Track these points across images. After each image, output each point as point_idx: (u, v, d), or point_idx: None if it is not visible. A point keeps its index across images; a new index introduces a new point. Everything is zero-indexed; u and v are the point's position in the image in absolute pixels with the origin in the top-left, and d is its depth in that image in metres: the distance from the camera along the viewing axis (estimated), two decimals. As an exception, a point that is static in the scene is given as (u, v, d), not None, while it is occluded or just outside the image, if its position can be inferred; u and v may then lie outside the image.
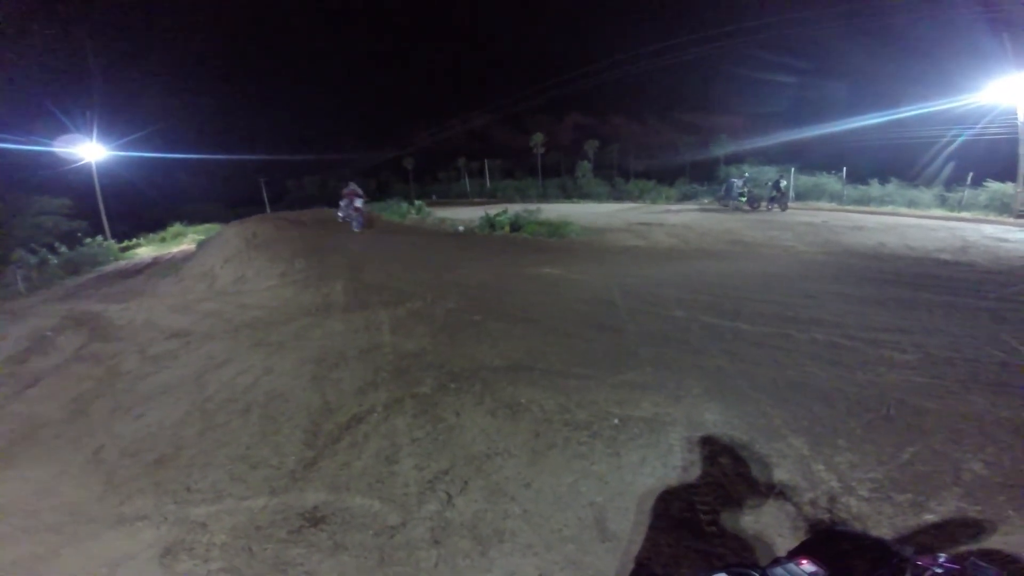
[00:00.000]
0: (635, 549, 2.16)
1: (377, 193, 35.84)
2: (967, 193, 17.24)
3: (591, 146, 33.75)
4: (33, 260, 13.35)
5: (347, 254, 9.97)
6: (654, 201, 23.75)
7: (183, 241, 20.22)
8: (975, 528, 2.23)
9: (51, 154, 19.07)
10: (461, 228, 13.76)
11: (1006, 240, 10.17)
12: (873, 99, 22.63)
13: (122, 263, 16.31)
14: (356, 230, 13.51)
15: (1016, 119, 17.28)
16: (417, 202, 19.38)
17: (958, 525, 2.24)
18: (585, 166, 31.49)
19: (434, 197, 31.49)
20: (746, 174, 19.67)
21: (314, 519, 2.53)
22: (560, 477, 2.69)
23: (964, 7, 19.01)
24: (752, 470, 2.63)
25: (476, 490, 2.61)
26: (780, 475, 2.58)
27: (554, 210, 17.16)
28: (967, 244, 9.67)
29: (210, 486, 3.00)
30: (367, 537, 2.36)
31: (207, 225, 23.50)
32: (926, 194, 18.34)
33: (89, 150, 20.48)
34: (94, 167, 20.55)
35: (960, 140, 19.44)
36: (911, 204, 18.06)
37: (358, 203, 14.29)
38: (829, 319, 5.09)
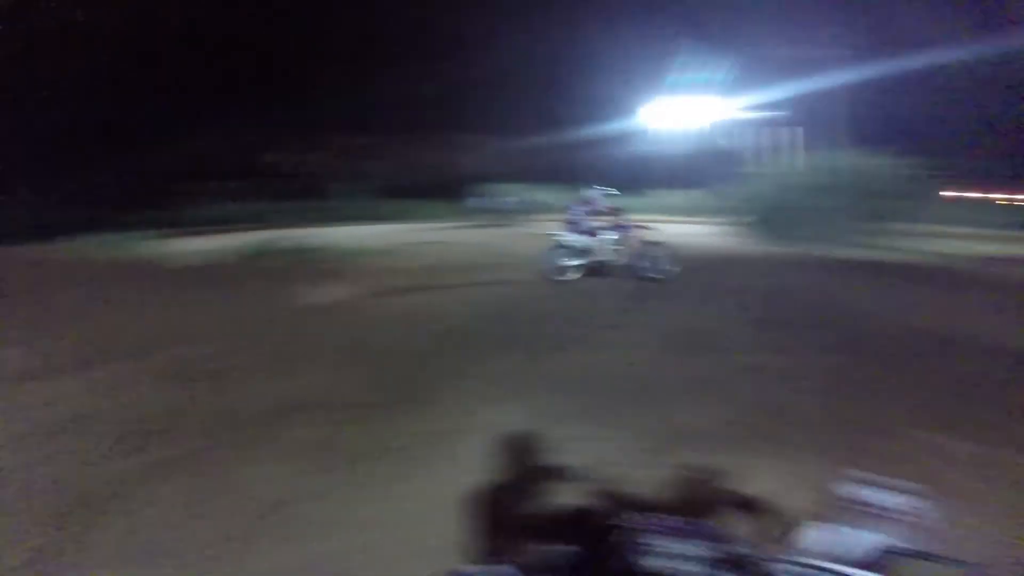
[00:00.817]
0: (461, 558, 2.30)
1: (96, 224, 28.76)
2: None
3: (363, 166, 33.46)
4: None
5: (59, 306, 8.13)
6: (424, 221, 25.01)
7: None
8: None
9: None
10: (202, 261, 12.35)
11: None
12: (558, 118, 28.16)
13: None
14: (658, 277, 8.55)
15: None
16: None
17: None
18: (354, 186, 31.18)
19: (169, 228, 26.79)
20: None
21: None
22: (370, 511, 2.84)
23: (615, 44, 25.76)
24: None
25: (276, 541, 2.82)
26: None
27: (320, 234, 16.61)
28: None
29: None
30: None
31: None
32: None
33: None
34: None
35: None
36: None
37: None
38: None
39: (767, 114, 24.91)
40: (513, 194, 23.07)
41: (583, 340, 5.90)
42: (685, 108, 25.85)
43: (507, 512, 2.65)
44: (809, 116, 22.90)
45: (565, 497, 2.72)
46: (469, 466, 3.06)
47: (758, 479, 2.89)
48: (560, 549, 0.99)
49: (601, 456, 3.23)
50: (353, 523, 2.74)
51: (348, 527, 2.70)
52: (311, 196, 31.78)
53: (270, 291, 8.88)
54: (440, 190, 29.86)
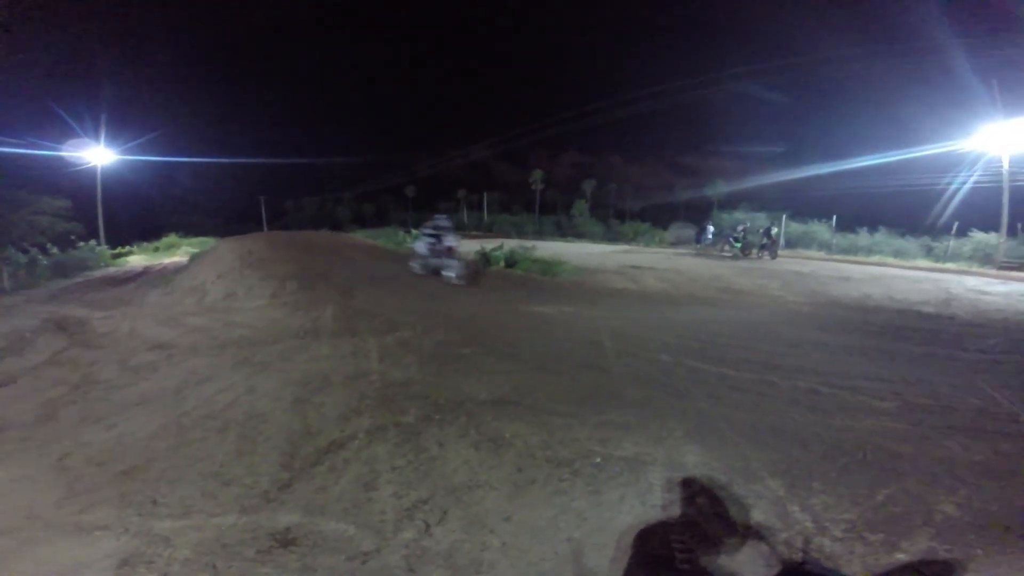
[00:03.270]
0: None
1: (375, 219, 36.19)
2: (952, 243, 17.64)
3: (588, 185, 34.57)
4: (23, 259, 13.20)
5: (340, 280, 10.01)
6: (647, 244, 24.15)
7: (176, 253, 20.16)
8: (945, 567, 2.28)
9: (59, 157, 19.22)
10: (455, 260, 13.88)
11: (987, 293, 10.45)
12: (866, 144, 23.49)
13: (112, 270, 16.18)
14: (455, 282, 10.40)
15: (1001, 168, 17.85)
16: (414, 231, 19.58)
17: (928, 564, 2.29)
18: (581, 205, 32.14)
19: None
20: (746, 223, 20.08)
21: (285, 540, 2.48)
22: (540, 512, 2.67)
23: (957, 54, 20.00)
24: (729, 510, 2.65)
25: (455, 520, 2.58)
26: (756, 516, 2.60)
27: (549, 248, 17.40)
28: (950, 296, 9.90)
29: (178, 501, 2.93)
30: (339, 561, 2.31)
31: (202, 238, 23.50)
32: (912, 244, 18.76)
33: (95, 154, 20.63)
34: (98, 171, 20.66)
35: (949, 188, 20.02)
36: (898, 254, 18.44)
37: (451, 241, 11.22)
38: (811, 367, 5.17)
39: None
40: (752, 224, 20.45)
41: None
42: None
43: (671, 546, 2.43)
44: None
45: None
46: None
47: None
48: None
49: None
50: (516, 520, 2.66)
51: (511, 522, 2.65)
52: (542, 210, 34.27)
53: (503, 294, 9.39)
54: (667, 214, 28.68)
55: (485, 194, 37.03)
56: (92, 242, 17.47)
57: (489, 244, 15.33)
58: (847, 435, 3.57)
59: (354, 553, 2.35)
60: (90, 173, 20.51)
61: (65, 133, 19.97)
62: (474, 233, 29.74)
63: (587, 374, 4.92)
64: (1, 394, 5.21)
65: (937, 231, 18.76)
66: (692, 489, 2.85)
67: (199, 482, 3.12)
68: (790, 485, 2.90)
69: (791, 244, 21.03)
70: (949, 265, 16.26)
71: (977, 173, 18.67)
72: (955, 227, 17.61)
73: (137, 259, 19.04)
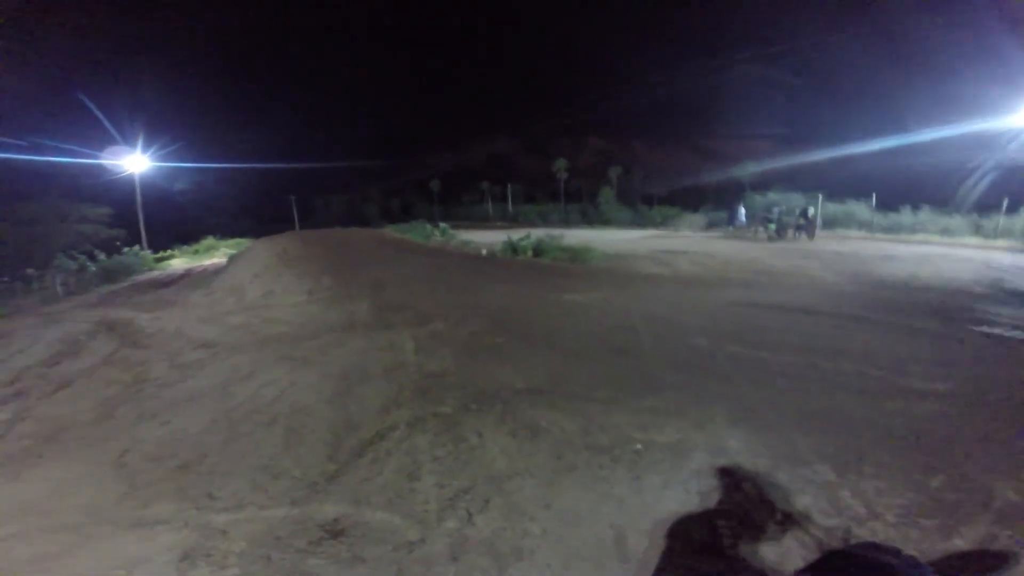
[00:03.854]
0: (653, 570, 2.14)
1: (402, 214, 36.60)
2: (1002, 221, 16.71)
3: (614, 171, 33.98)
4: (72, 266, 13.91)
5: (372, 274, 10.16)
6: (677, 228, 23.66)
7: (215, 254, 20.86)
8: (1005, 555, 2.19)
9: (99, 164, 20.10)
10: (484, 251, 13.92)
11: None
12: (902, 121, 22.35)
13: (156, 273, 16.88)
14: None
15: None
16: (442, 224, 19.71)
17: (988, 551, 2.21)
18: (608, 192, 31.62)
19: (454, 221, 32.05)
20: (781, 205, 19.40)
21: (334, 531, 2.55)
22: (580, 499, 2.67)
23: (995, 25, 18.77)
24: (775, 496, 2.60)
25: (496, 509, 2.61)
26: (804, 501, 2.55)
27: (576, 236, 17.25)
28: (1003, 275, 9.46)
29: (232, 494, 3.05)
30: (386, 551, 2.36)
31: (238, 239, 24.23)
32: (960, 222, 17.81)
33: (133, 161, 21.47)
34: (136, 179, 21.51)
35: (992, 165, 18.90)
36: (944, 232, 17.51)
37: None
38: (857, 350, 5.02)
39: None
40: (788, 205, 19.76)
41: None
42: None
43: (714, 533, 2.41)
44: None
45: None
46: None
47: None
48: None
49: None
50: (557, 507, 2.68)
51: (551, 510, 2.66)
52: (568, 199, 33.95)
53: (533, 283, 9.40)
54: (696, 197, 27.98)
55: (509, 185, 36.86)
56: (136, 247, 18.25)
57: (516, 234, 15.30)
58: (898, 419, 3.45)
59: (400, 543, 2.40)
60: (126, 180, 21.38)
61: (104, 141, 20.88)
62: (499, 224, 29.73)
63: (623, 360, 4.88)
64: (60, 395, 5.52)
65: (986, 208, 17.72)
66: (736, 475, 2.80)
67: (250, 475, 3.24)
68: (840, 470, 2.81)
69: (829, 225, 20.21)
70: (1000, 242, 15.40)
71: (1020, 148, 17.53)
72: (1005, 203, 16.60)
73: (179, 262, 19.80)
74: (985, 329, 5.81)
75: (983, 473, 2.76)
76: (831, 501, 2.54)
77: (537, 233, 15.70)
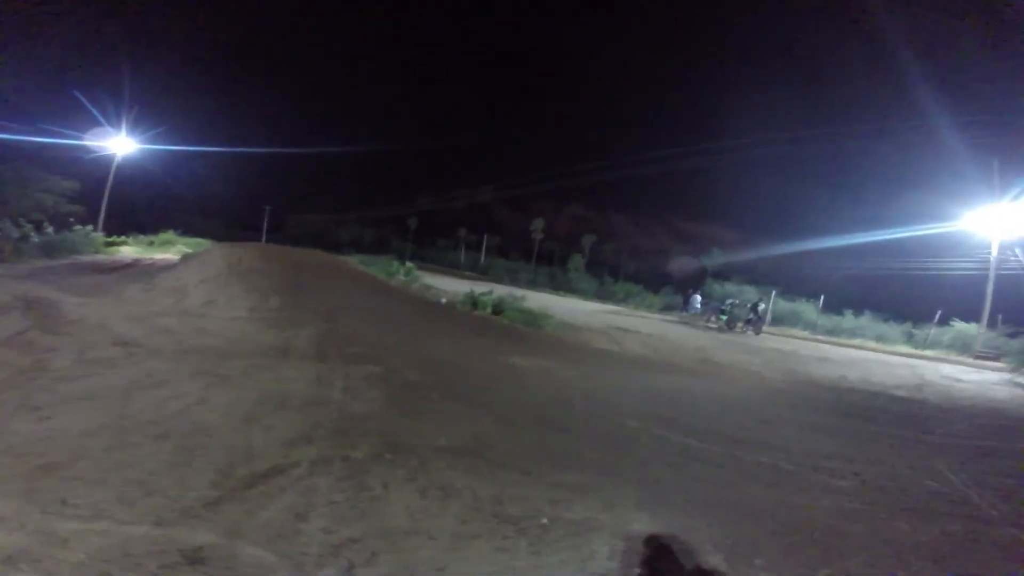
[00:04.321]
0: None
1: (375, 245, 36.40)
2: (933, 331, 17.92)
3: (587, 240, 35.13)
4: (15, 234, 13.09)
5: (323, 303, 9.93)
6: (636, 307, 24.31)
7: (170, 249, 20.08)
8: None
9: (82, 145, 19.49)
10: (443, 300, 13.86)
11: (960, 380, 11.05)
12: (863, 222, 24.14)
13: (101, 257, 16.05)
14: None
15: (989, 255, 18.15)
16: (408, 264, 19.65)
17: None
18: (577, 260, 32.51)
19: (424, 263, 32.07)
20: (734, 298, 20.25)
21: (193, 558, 2.32)
22: (476, 567, 2.58)
23: (957, 132, 20.74)
24: None
25: (384, 564, 2.45)
26: None
27: (539, 299, 17.45)
28: (923, 382, 10.46)
29: (90, 504, 2.76)
30: (244, 590, 2.16)
31: (198, 239, 23.48)
32: (894, 330, 19.11)
33: (117, 142, 20.86)
34: (115, 159, 20.84)
35: (938, 272, 20.32)
36: (879, 339, 18.73)
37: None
38: (778, 444, 5.27)
39: None
40: (737, 297, 20.68)
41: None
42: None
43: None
44: None
45: None
46: None
47: None
48: None
49: None
50: (451, 572, 2.58)
51: (445, 574, 2.56)
52: (539, 260, 34.64)
53: (484, 340, 9.44)
54: (659, 279, 29.04)
55: (485, 236, 37.53)
56: (88, 227, 17.40)
57: (480, 287, 15.36)
58: (800, 513, 3.63)
59: (264, 584, 2.20)
60: (106, 161, 20.69)
61: (88, 122, 20.33)
62: (468, 274, 29.87)
63: (551, 432, 4.85)
64: (-60, 367, 5.03)
65: (920, 318, 19.19)
66: (632, 559, 2.80)
67: (120, 488, 2.95)
68: (732, 560, 2.86)
69: (778, 321, 21.28)
70: (928, 352, 16.61)
71: (960, 259, 19.16)
72: (938, 315, 18.02)
73: (129, 250, 18.91)
74: (899, 431, 6.41)
75: (865, 569, 2.94)
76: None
77: (501, 290, 15.83)
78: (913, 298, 20.66)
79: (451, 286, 16.14)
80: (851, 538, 3.29)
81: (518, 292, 16.45)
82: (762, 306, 18.09)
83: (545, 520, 3.10)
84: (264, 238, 32.61)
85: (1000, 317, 17.80)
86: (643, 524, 3.17)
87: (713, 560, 2.84)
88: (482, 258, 36.10)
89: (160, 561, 2.31)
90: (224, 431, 3.82)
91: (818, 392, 8.89)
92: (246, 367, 5.54)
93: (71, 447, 3.46)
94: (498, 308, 13.24)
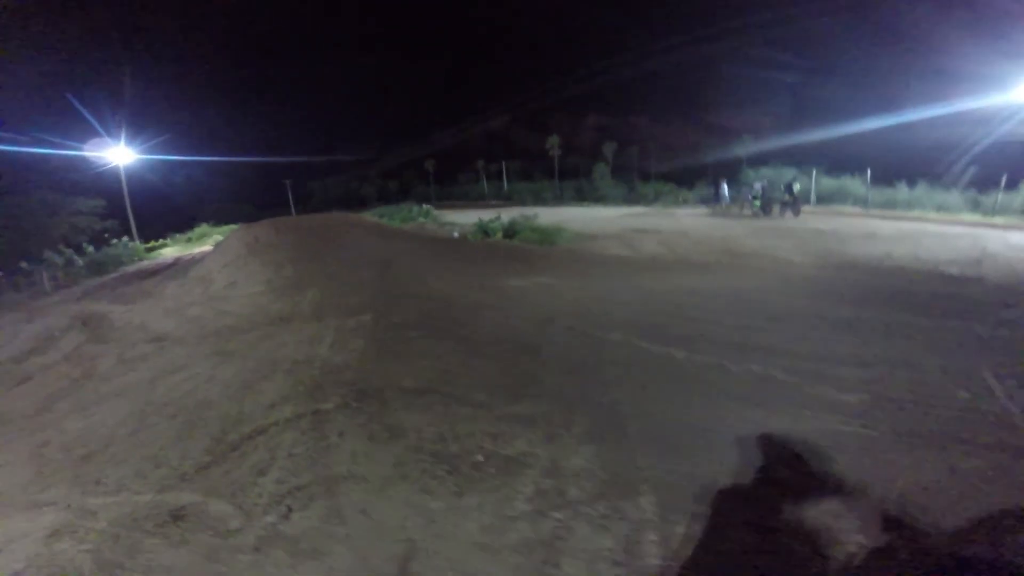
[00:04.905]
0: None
1: (400, 195, 36.67)
2: (1001, 197, 16.31)
3: (609, 148, 33.59)
4: (60, 260, 14.42)
5: (332, 262, 10.42)
6: (666, 205, 23.49)
7: (207, 241, 21.30)
8: None
9: (83, 157, 20.51)
10: (455, 234, 14.09)
11: None
12: (903, 98, 21.71)
13: (145, 263, 17.39)
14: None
15: None
16: (425, 206, 19.83)
17: None
18: (602, 168, 31.35)
19: (449, 201, 31.98)
20: (764, 180, 19.07)
21: (177, 516, 2.85)
22: (397, 509, 2.79)
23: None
24: (582, 531, 2.51)
25: (316, 508, 2.82)
26: (606, 542, 2.41)
27: (561, 214, 17.31)
28: (985, 255, 9.06)
29: (116, 480, 3.38)
30: (208, 536, 2.65)
31: (232, 226, 24.64)
32: (957, 198, 17.44)
33: (117, 154, 21.81)
34: (122, 170, 21.89)
35: (991, 141, 18.39)
36: (940, 208, 17.19)
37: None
38: (782, 347, 4.75)
39: None
40: (774, 180, 19.42)
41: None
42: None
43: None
44: None
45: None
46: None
47: None
48: None
49: None
50: (371, 514, 2.77)
51: (365, 516, 2.76)
52: (564, 176, 33.69)
53: (488, 266, 9.67)
54: (694, 173, 27.60)
55: (504, 163, 36.65)
56: (125, 238, 18.74)
57: (508, 213, 15.35)
58: (777, 444, 3.09)
59: (222, 530, 2.69)
60: (115, 173, 21.75)
61: (88, 134, 21.20)
62: (493, 203, 29.68)
63: (522, 358, 4.89)
64: (18, 390, 5.95)
65: (984, 184, 17.29)
66: (554, 501, 2.71)
67: (138, 464, 3.56)
68: (666, 509, 2.58)
69: (824, 200, 19.89)
70: (997, 219, 15.00)
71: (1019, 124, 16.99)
72: (1004, 179, 16.14)
73: (170, 251, 20.29)
74: (941, 321, 5.44)
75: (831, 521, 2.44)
76: (630, 544, 2.39)
77: (512, 213, 15.77)
78: (970, 165, 18.45)
79: (470, 218, 16.19)
80: (827, 483, 2.68)
81: (529, 212, 16.33)
82: (797, 186, 16.72)
83: (480, 457, 3.19)
84: (294, 211, 33.60)
85: None
86: (583, 459, 3.07)
87: (645, 503, 2.66)
88: (504, 185, 35.57)
89: (155, 520, 2.86)
90: (222, 402, 4.38)
91: (853, 275, 7.98)
92: (252, 339, 6.12)
93: (106, 436, 4.14)
94: (510, 232, 13.33)
